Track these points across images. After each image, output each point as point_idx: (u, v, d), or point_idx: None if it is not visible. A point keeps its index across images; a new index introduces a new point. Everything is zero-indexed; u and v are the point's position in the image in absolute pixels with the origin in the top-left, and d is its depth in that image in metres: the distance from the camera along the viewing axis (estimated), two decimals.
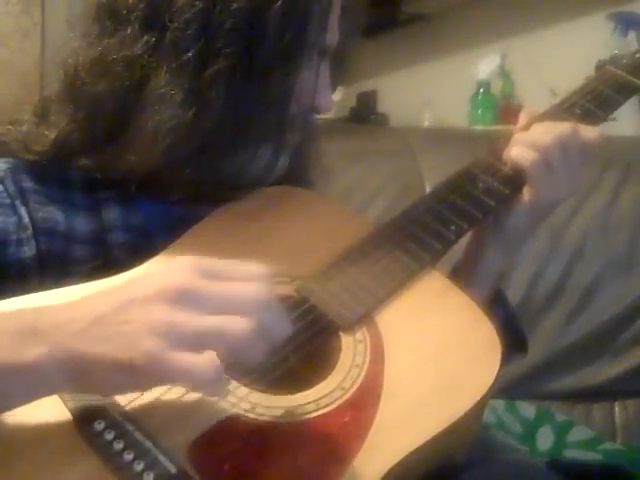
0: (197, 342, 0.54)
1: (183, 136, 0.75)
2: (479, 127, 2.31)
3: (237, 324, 0.55)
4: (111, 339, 0.54)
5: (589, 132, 0.86)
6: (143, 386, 0.58)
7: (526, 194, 0.85)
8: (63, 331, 0.55)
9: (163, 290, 0.55)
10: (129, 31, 0.77)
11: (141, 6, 0.77)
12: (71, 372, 0.55)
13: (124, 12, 0.78)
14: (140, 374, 0.54)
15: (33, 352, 0.54)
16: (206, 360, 0.54)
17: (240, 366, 0.58)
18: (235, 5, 0.75)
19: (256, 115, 0.77)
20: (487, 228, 0.88)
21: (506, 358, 0.69)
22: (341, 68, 0.87)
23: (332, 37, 0.82)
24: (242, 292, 0.57)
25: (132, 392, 0.59)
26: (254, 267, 0.59)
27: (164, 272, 0.57)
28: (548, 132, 0.85)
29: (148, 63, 0.76)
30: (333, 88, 0.85)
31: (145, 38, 0.76)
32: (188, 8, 0.75)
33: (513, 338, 0.92)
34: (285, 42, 0.75)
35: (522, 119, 0.90)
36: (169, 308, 0.54)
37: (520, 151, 0.85)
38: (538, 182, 0.84)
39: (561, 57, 2.10)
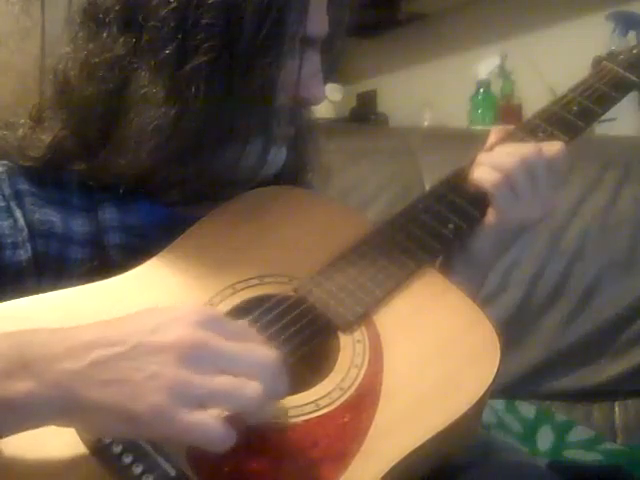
0: (207, 402, 0.53)
1: (168, 135, 0.75)
2: (479, 127, 2.30)
3: (249, 388, 0.54)
4: (113, 385, 0.53)
5: (553, 148, 0.85)
6: (141, 436, 0.57)
7: (490, 217, 0.83)
8: (57, 368, 0.53)
9: (175, 345, 0.54)
10: (107, 34, 0.77)
11: (117, 8, 0.77)
12: (62, 411, 0.54)
13: (101, 15, 0.77)
14: (142, 427, 0.53)
15: (19, 387, 0.53)
16: (215, 420, 0.53)
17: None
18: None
19: (240, 109, 0.77)
20: (454, 254, 0.86)
21: None
22: (332, 59, 0.86)
23: (320, 27, 0.80)
24: (251, 355, 0.56)
25: (126, 437, 0.58)
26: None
27: (173, 321, 0.55)
28: (512, 154, 0.83)
29: (129, 64, 0.76)
30: (325, 80, 0.83)
31: (123, 39, 0.76)
32: (163, 6, 0.74)
33: None
34: (264, 33, 0.74)
35: (492, 137, 0.89)
36: (181, 365, 0.53)
37: (483, 173, 0.83)
38: (502, 205, 0.82)
39: (561, 57, 2.09)
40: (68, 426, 0.57)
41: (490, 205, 0.83)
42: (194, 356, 0.54)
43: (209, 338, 0.55)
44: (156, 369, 0.53)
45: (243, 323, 0.60)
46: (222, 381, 0.54)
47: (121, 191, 0.79)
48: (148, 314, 0.57)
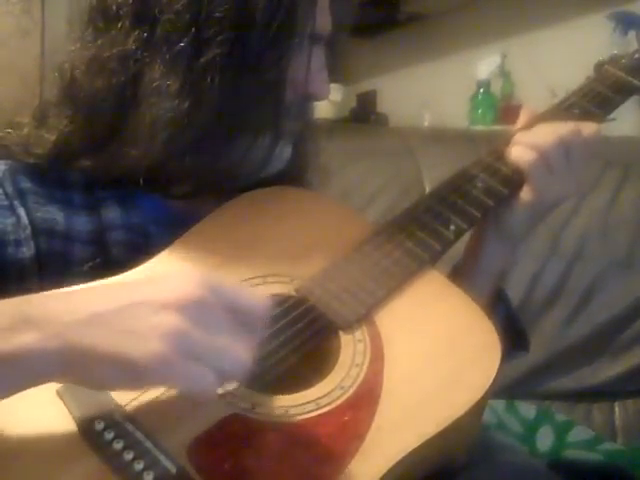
0: (203, 357, 0.54)
1: (181, 127, 0.76)
2: (479, 127, 2.30)
3: (243, 354, 0.56)
4: (114, 334, 0.54)
5: (590, 128, 0.86)
6: (138, 385, 0.58)
7: (526, 194, 0.84)
8: (58, 321, 0.54)
9: (179, 299, 0.55)
10: (120, 27, 0.78)
11: (130, 1, 0.77)
12: (63, 363, 0.54)
13: (114, 8, 0.78)
14: (140, 373, 0.54)
15: (21, 340, 0.53)
16: (210, 373, 0.54)
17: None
18: None
19: (252, 102, 0.78)
20: (487, 226, 0.88)
21: (507, 356, 0.70)
22: (335, 57, 0.87)
23: (324, 23, 0.82)
24: (247, 323, 0.58)
25: (124, 389, 0.59)
26: (259, 299, 0.60)
27: (177, 280, 0.57)
28: (551, 133, 0.84)
29: (142, 57, 0.77)
30: (330, 77, 0.85)
31: (136, 33, 0.77)
32: None
33: (515, 336, 0.92)
34: (274, 28, 0.76)
35: (522, 118, 0.90)
36: (183, 318, 0.54)
37: (520, 152, 0.84)
38: (538, 183, 0.84)
39: (561, 57, 2.10)
40: (70, 380, 0.57)
41: (526, 183, 0.84)
42: (197, 311, 0.55)
43: (210, 297, 0.56)
44: (158, 319, 0.54)
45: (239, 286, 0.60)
46: (221, 340, 0.55)
47: (126, 186, 0.80)
48: (153, 278, 0.58)
